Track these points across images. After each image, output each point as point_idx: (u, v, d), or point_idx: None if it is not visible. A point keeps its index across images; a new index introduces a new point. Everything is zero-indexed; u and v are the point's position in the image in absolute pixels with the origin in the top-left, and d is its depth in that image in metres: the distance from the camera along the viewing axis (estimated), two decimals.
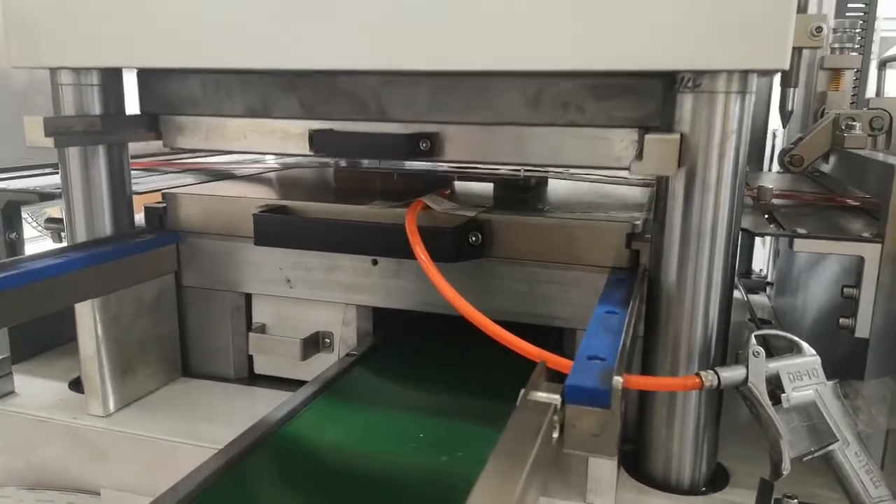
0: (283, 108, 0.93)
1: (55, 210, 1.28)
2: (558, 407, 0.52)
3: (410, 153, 0.88)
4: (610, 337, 0.62)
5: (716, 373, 0.68)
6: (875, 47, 1.76)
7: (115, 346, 0.94)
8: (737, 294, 0.88)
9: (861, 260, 0.77)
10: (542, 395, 0.53)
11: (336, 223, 0.91)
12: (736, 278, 0.87)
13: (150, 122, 1.01)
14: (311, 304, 1.00)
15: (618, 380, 0.52)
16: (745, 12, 0.65)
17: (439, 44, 0.74)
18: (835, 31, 1.42)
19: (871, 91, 1.57)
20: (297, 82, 0.92)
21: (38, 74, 0.95)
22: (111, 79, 0.94)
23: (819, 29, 0.72)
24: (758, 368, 0.70)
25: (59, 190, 0.96)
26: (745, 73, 0.69)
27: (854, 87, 1.52)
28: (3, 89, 1.24)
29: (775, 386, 0.71)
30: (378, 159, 1.10)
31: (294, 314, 1.02)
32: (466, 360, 0.98)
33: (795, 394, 0.71)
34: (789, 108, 1.08)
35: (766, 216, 0.94)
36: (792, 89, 1.07)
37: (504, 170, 1.15)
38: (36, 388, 1.01)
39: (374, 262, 0.95)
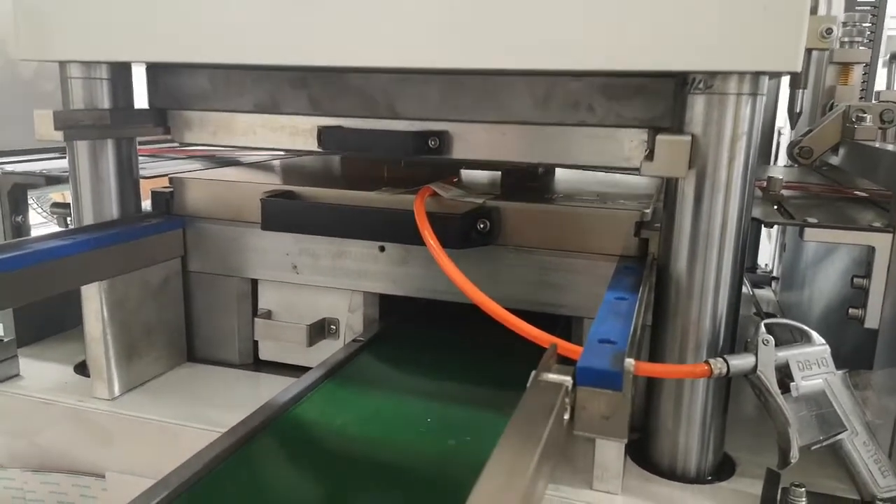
0: (293, 105, 0.93)
1: (60, 195, 1.28)
2: (569, 389, 0.52)
3: (419, 151, 0.88)
4: (620, 322, 0.62)
5: (725, 360, 0.68)
6: (881, 47, 1.75)
7: (121, 329, 0.94)
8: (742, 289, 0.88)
9: (871, 250, 0.77)
10: (552, 377, 0.52)
11: (344, 208, 0.91)
12: None
13: (159, 117, 1.00)
14: (317, 291, 1.00)
15: (629, 362, 0.52)
16: (758, 14, 0.64)
17: (450, 42, 0.74)
18: (844, 24, 1.42)
19: (879, 85, 1.57)
20: (308, 78, 0.91)
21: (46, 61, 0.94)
22: (120, 73, 0.94)
23: (829, 31, 0.72)
24: (767, 357, 0.70)
25: (66, 174, 0.96)
26: (756, 75, 0.69)
27: (863, 82, 1.51)
28: (11, 76, 1.23)
29: (784, 374, 0.71)
30: (386, 157, 1.09)
31: (300, 300, 1.01)
32: (473, 346, 0.98)
33: (804, 382, 0.71)
34: (798, 109, 1.08)
35: (776, 207, 0.94)
36: (801, 91, 1.06)
37: None
38: (41, 371, 1.01)
39: (382, 249, 0.95)
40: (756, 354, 0.70)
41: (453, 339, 1.01)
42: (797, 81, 0.90)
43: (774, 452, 0.72)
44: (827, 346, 0.72)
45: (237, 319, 1.03)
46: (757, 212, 0.86)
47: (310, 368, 0.89)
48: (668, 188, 0.76)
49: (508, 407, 0.51)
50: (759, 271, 1.76)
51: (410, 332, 1.02)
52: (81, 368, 1.01)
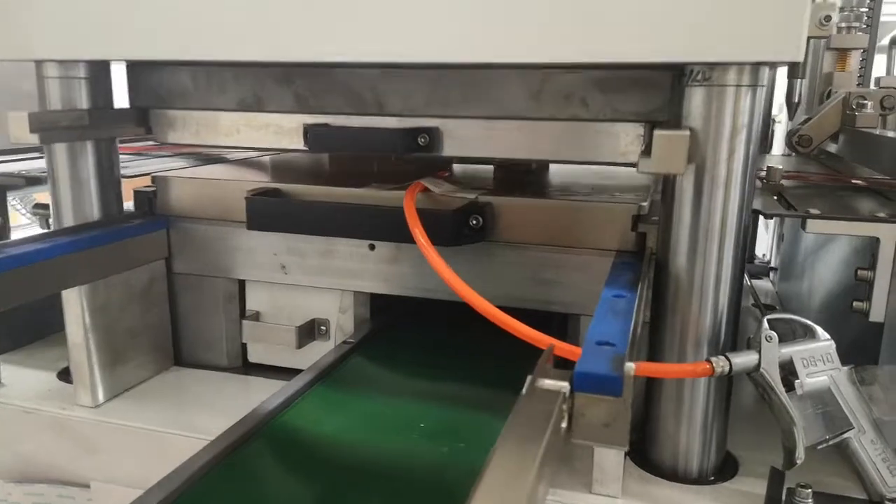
0: (277, 102, 0.90)
1: (43, 196, 1.25)
2: (566, 395, 0.49)
3: (408, 148, 0.85)
4: (619, 321, 0.59)
5: (727, 359, 0.66)
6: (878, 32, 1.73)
7: (105, 334, 0.91)
8: None
9: (876, 241, 0.75)
10: (549, 383, 0.50)
11: (332, 206, 0.88)
12: None
13: (140, 117, 0.97)
14: (306, 291, 0.97)
15: (629, 366, 0.50)
16: (758, 1, 0.62)
17: (439, 35, 0.71)
18: (841, 9, 1.39)
19: (877, 71, 1.54)
20: (292, 75, 0.89)
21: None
22: (99, 72, 0.91)
23: (828, 18, 0.70)
24: (771, 354, 0.68)
25: (46, 174, 0.93)
26: (756, 66, 0.66)
27: (860, 68, 1.48)
28: None
29: (788, 372, 0.69)
30: (375, 154, 1.06)
31: (289, 301, 0.99)
32: (467, 347, 0.95)
33: (809, 380, 0.68)
34: (796, 99, 1.05)
35: (776, 197, 0.91)
36: (799, 80, 1.04)
37: None
38: (23, 379, 0.98)
39: (372, 247, 0.92)
40: (759, 351, 0.68)
41: (447, 339, 0.98)
42: (795, 71, 0.87)
43: (778, 449, 0.70)
44: (832, 342, 0.69)
45: (224, 322, 1.01)
46: (757, 203, 0.84)
47: (300, 371, 0.87)
48: (666, 182, 0.74)
49: (504, 410, 0.49)
50: (756, 261, 1.74)
51: (403, 333, 0.99)
52: (65, 375, 0.98)
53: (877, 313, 0.75)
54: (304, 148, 0.90)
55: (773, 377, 0.67)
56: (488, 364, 0.89)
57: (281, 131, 0.92)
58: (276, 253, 0.96)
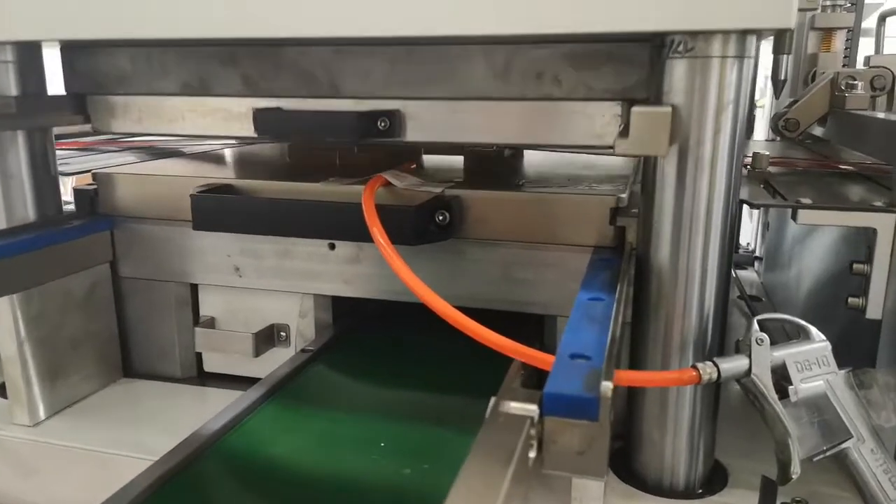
0: (224, 85, 0.84)
1: None
2: (535, 419, 0.43)
3: (367, 134, 0.79)
4: (595, 329, 0.53)
5: (715, 364, 0.60)
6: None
7: (42, 346, 0.84)
8: None
9: (873, 232, 0.69)
10: (515, 406, 0.44)
11: (284, 203, 0.81)
12: None
13: (77, 104, 0.90)
14: (263, 295, 0.91)
15: (607, 385, 0.43)
16: None
17: (396, 6, 0.64)
18: None
19: (864, 51, 1.49)
20: (239, 55, 0.82)
21: None
22: (29, 55, 0.85)
23: None
24: (762, 358, 0.62)
25: None
26: (743, 34, 0.60)
27: (846, 49, 1.43)
28: None
29: (781, 377, 0.63)
30: (331, 141, 0.99)
31: (245, 306, 0.92)
32: (435, 353, 0.89)
33: (804, 385, 0.63)
34: (782, 76, 0.99)
35: (763, 185, 0.85)
36: (785, 56, 0.98)
37: None
38: None
39: (332, 247, 0.86)
40: (749, 356, 0.62)
41: (415, 344, 0.92)
42: (781, 45, 0.81)
43: (770, 455, 0.65)
44: (828, 343, 0.64)
45: (176, 329, 0.94)
46: (743, 192, 0.78)
47: (260, 379, 0.80)
48: (646, 168, 0.68)
49: (474, 423, 0.44)
50: (741, 251, 1.68)
51: (367, 338, 0.93)
52: (2, 390, 0.91)
53: (874, 310, 0.70)
54: (254, 135, 0.82)
55: (766, 383, 0.62)
56: (458, 372, 0.83)
57: (230, 117, 0.86)
58: (229, 254, 0.89)
